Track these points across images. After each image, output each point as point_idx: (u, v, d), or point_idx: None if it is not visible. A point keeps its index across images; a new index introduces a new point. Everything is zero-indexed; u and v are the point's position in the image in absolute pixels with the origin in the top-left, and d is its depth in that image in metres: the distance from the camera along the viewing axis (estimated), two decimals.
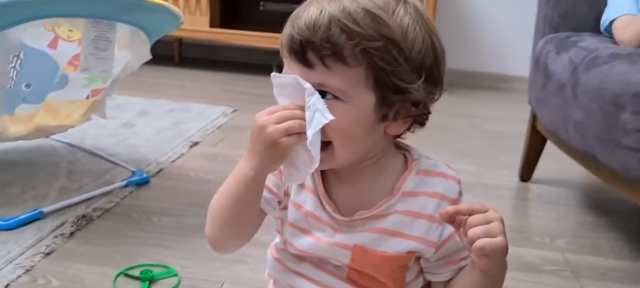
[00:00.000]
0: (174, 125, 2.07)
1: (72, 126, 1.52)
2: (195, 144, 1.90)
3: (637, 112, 1.10)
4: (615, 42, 1.45)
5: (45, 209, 1.30)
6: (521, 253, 1.32)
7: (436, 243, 0.74)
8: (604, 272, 1.27)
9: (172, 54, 3.40)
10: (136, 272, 1.12)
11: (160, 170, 1.64)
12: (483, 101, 3.00)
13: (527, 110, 1.76)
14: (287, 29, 0.68)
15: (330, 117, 0.65)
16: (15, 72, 1.23)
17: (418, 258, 0.77)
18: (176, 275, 1.12)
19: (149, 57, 1.43)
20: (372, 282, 0.75)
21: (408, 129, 0.74)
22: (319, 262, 0.77)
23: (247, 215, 0.74)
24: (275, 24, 3.42)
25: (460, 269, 0.77)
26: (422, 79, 0.67)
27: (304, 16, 0.66)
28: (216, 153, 1.84)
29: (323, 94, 0.66)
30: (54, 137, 1.76)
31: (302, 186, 0.77)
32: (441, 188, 0.74)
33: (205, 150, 1.87)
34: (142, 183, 1.53)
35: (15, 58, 1.21)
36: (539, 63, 1.57)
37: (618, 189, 1.26)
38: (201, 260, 1.19)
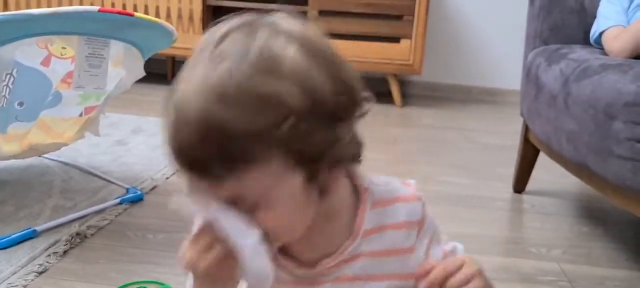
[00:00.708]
0: None
1: (65, 144, 1.52)
2: None
3: (628, 121, 1.11)
4: (605, 53, 1.47)
5: (38, 228, 1.29)
6: (518, 265, 1.32)
7: (413, 274, 0.67)
8: (600, 281, 1.27)
9: (165, 71, 3.41)
10: None
11: (155, 187, 1.64)
12: (476, 114, 3.01)
13: (519, 123, 1.77)
14: (170, 141, 0.54)
15: (255, 236, 0.56)
16: (7, 90, 1.23)
17: None
18: None
19: (142, 74, 1.43)
20: None
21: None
22: None
23: None
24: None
25: None
26: (345, 127, 0.57)
27: (183, 123, 0.52)
28: None
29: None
30: (47, 155, 1.76)
31: None
32: (404, 215, 0.67)
33: None
34: (137, 200, 1.52)
35: (8, 76, 1.21)
36: (530, 75, 1.58)
37: (612, 198, 1.26)
38: None
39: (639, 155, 1.09)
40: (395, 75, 3.00)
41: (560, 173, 1.66)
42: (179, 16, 3.05)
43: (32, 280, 1.12)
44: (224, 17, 0.58)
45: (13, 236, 1.24)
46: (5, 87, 1.22)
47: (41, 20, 1.11)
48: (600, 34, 1.51)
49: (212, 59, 0.53)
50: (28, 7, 3.04)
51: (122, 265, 1.21)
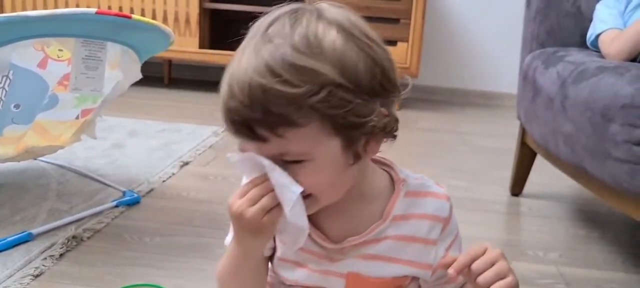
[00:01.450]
0: (164, 145, 2.07)
1: (61, 147, 1.51)
2: (186, 163, 1.89)
3: (625, 124, 1.11)
4: (601, 56, 1.47)
5: (34, 231, 1.28)
6: (515, 267, 1.29)
7: (431, 266, 0.74)
8: (597, 284, 1.27)
9: (162, 75, 3.41)
10: None
11: (151, 190, 1.63)
12: (473, 118, 3.02)
13: (516, 126, 1.78)
14: (223, 108, 0.63)
15: (298, 189, 0.62)
16: (4, 92, 1.22)
17: (414, 279, 0.76)
18: None
19: (139, 76, 1.43)
20: None
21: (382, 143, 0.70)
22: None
23: (250, 284, 0.74)
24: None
25: (460, 285, 0.77)
26: (378, 103, 0.63)
27: (235, 92, 0.60)
28: (207, 173, 1.83)
29: (288, 160, 0.63)
30: (43, 158, 1.75)
31: None
32: (432, 208, 0.73)
33: (196, 169, 1.86)
34: (133, 203, 1.52)
35: (4, 78, 1.21)
36: (527, 78, 1.59)
37: (608, 201, 1.27)
38: (193, 280, 1.17)
39: (636, 157, 1.09)
40: None
41: (557, 176, 1.66)
42: (176, 19, 3.05)
43: (28, 283, 1.11)
44: (272, 8, 0.66)
45: (8, 239, 1.23)
46: (1, 89, 1.22)
47: (38, 22, 1.10)
48: (597, 36, 1.51)
49: (261, 40, 0.61)
50: (24, 8, 3.04)
51: (118, 268, 1.20)
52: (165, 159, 1.90)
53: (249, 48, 0.62)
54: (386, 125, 0.64)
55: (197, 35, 3.06)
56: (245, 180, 0.67)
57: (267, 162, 0.62)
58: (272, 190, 0.63)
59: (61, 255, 1.23)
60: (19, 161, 1.52)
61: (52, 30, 1.16)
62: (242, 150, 0.65)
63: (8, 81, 1.21)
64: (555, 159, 1.49)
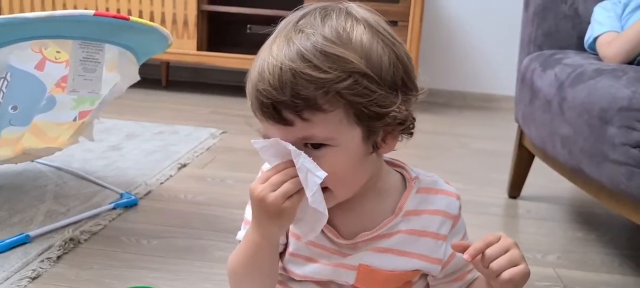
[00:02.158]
0: (162, 147, 2.06)
1: (59, 149, 1.51)
2: (184, 165, 1.89)
3: (623, 126, 1.12)
4: (599, 59, 1.47)
5: (32, 233, 1.28)
6: None
7: (441, 261, 0.75)
8: (595, 286, 1.27)
9: (159, 77, 3.41)
10: None
11: (149, 192, 1.63)
12: (471, 120, 3.02)
13: (513, 129, 1.78)
14: (252, 92, 0.66)
15: (323, 174, 0.64)
16: (1, 94, 1.22)
17: (423, 275, 0.78)
18: None
19: (137, 78, 1.43)
20: None
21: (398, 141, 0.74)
22: (322, 282, 0.77)
23: (265, 272, 0.74)
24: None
25: (467, 283, 0.78)
26: (400, 96, 0.66)
27: (265, 75, 0.64)
28: (205, 175, 1.83)
29: (313, 145, 0.65)
30: (40, 160, 1.75)
31: None
32: (443, 205, 0.75)
33: (194, 171, 1.86)
34: (131, 205, 1.52)
35: (2, 80, 1.20)
36: (525, 80, 1.59)
37: (606, 203, 1.27)
38: (191, 282, 1.17)
39: (634, 159, 1.09)
40: None
41: (554, 178, 1.66)
42: (174, 21, 3.05)
43: (25, 285, 1.11)
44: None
45: (6, 241, 1.23)
46: None
47: (36, 23, 1.10)
48: (595, 39, 1.52)
49: (293, 31, 0.65)
50: (22, 10, 3.03)
51: (116, 271, 1.20)
52: (163, 161, 1.90)
53: (280, 38, 0.65)
54: (404, 120, 0.67)
55: (195, 37, 3.06)
56: (267, 167, 0.69)
57: (292, 147, 0.64)
58: (294, 176, 0.65)
59: (58, 257, 1.23)
60: (16, 163, 1.51)
61: (50, 32, 1.16)
62: (265, 136, 0.67)
63: (6, 83, 1.21)
64: (553, 161, 1.49)
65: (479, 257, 0.67)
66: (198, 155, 2.02)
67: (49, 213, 1.43)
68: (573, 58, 1.45)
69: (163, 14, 3.04)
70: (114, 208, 1.47)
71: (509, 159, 1.81)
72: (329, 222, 0.73)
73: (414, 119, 0.71)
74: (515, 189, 1.77)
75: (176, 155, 1.97)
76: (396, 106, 0.65)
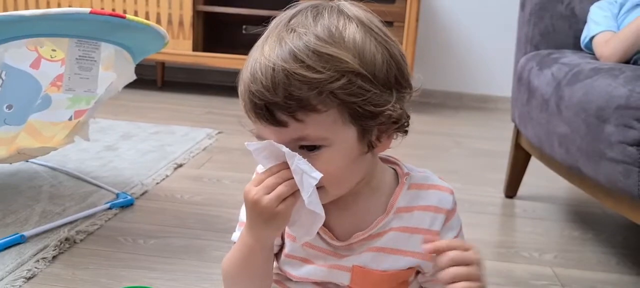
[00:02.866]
0: (158, 147, 2.06)
1: (54, 148, 1.50)
2: (180, 165, 1.88)
3: (620, 124, 1.12)
4: (596, 58, 1.48)
5: (27, 233, 1.27)
6: (510, 269, 1.32)
7: (433, 257, 0.74)
8: (592, 285, 1.27)
9: (155, 77, 3.39)
10: None
11: (145, 192, 1.62)
12: (467, 121, 3.02)
13: (510, 130, 1.78)
14: (244, 93, 0.65)
15: (319, 175, 0.63)
16: None
17: (417, 273, 0.77)
18: None
19: (133, 77, 1.42)
20: None
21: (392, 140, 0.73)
22: (319, 282, 0.77)
23: (259, 275, 0.74)
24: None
25: None
26: (394, 94, 0.66)
27: (257, 76, 0.63)
28: (201, 175, 1.82)
29: (307, 146, 0.65)
30: (35, 160, 1.74)
31: None
32: (435, 200, 0.74)
33: (190, 171, 1.85)
34: (127, 205, 1.51)
35: None
36: (522, 79, 1.59)
37: (603, 201, 1.27)
38: (188, 282, 1.16)
39: (631, 158, 1.09)
40: None
41: (551, 178, 1.67)
42: (169, 22, 3.04)
43: (20, 286, 1.10)
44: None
45: (0, 241, 1.21)
46: None
47: (31, 21, 1.09)
48: (591, 38, 1.52)
49: (285, 30, 0.64)
50: (16, 8, 3.02)
51: (112, 271, 1.19)
52: (159, 161, 1.89)
53: (271, 38, 0.64)
54: (399, 118, 0.66)
55: (191, 37, 3.05)
56: (261, 169, 0.69)
57: (286, 149, 0.63)
58: (288, 178, 0.64)
59: (54, 257, 1.22)
60: (11, 163, 1.50)
61: (46, 30, 1.15)
62: (259, 137, 0.66)
63: (1, 82, 1.20)
64: (549, 160, 1.49)
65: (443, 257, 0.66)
66: (194, 155, 2.01)
67: (44, 213, 1.42)
68: (570, 57, 1.45)
69: (158, 14, 3.03)
70: (110, 208, 1.46)
71: (505, 159, 1.81)
72: (324, 223, 0.72)
73: (408, 117, 0.70)
74: (511, 189, 1.77)
75: (172, 155, 1.96)
76: (390, 105, 0.65)
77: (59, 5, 3.01)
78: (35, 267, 1.17)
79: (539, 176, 1.84)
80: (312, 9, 0.66)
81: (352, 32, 0.64)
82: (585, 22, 1.59)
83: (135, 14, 3.03)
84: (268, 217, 0.65)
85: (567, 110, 1.28)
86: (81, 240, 1.31)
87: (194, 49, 3.08)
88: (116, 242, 1.32)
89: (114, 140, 2.11)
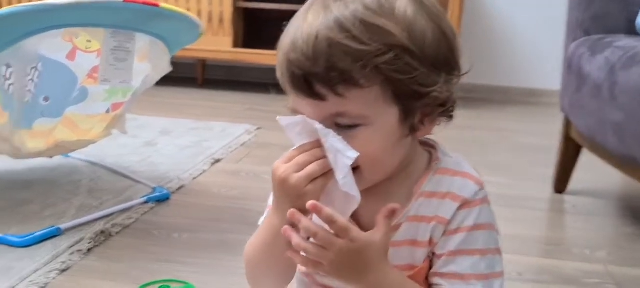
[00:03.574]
0: (196, 143, 2.05)
1: (92, 142, 1.50)
2: (218, 161, 1.86)
3: None
4: None
5: (63, 226, 1.26)
6: (560, 266, 1.24)
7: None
8: None
9: (195, 75, 3.41)
10: None
11: (182, 187, 1.61)
12: (513, 115, 2.92)
13: (558, 124, 1.69)
14: (283, 62, 0.61)
15: (354, 154, 0.59)
16: (33, 84, 1.21)
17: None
18: None
19: (169, 69, 1.41)
20: None
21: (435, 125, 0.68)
22: None
23: (284, 262, 0.67)
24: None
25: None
26: (442, 76, 0.61)
27: (298, 44, 0.59)
28: (239, 170, 1.80)
29: (346, 126, 0.60)
30: (75, 155, 1.75)
31: None
32: (456, 187, 0.66)
33: (227, 166, 1.83)
34: (163, 199, 1.50)
35: (33, 70, 1.20)
36: (572, 67, 1.51)
37: None
38: (221, 276, 1.14)
39: None
40: None
41: (602, 171, 1.58)
42: (209, 19, 3.04)
43: (54, 278, 1.10)
44: None
45: (37, 234, 1.21)
46: (30, 82, 1.20)
47: (64, 11, 1.09)
48: None
49: (331, 0, 0.59)
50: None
51: (146, 264, 1.17)
52: (197, 156, 1.88)
53: (316, 5, 0.60)
54: (446, 101, 0.62)
55: (231, 34, 3.05)
56: (295, 145, 0.64)
57: (320, 126, 0.59)
58: (321, 157, 0.60)
59: (89, 250, 1.21)
60: (50, 156, 1.51)
61: (80, 20, 1.14)
62: (294, 112, 0.62)
63: (37, 73, 1.20)
64: (602, 151, 1.40)
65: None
66: (232, 150, 1.99)
67: (81, 207, 1.42)
68: (624, 41, 1.36)
69: (199, 11, 3.03)
70: (146, 202, 1.45)
71: (553, 154, 1.72)
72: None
73: (455, 101, 0.65)
74: (561, 183, 1.69)
75: (210, 151, 1.95)
76: (438, 86, 0.60)
77: None
78: (70, 259, 1.16)
79: (590, 170, 1.74)
80: None
81: (403, 4, 0.60)
82: (639, 4, 1.49)
83: None
84: (295, 197, 0.60)
85: (623, 96, 1.20)
86: (117, 233, 1.30)
87: (234, 46, 3.07)
88: (151, 235, 1.31)
89: (153, 136, 2.11)
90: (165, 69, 1.38)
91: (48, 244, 1.22)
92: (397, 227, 0.67)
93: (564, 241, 1.41)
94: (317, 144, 0.61)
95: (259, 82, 3.49)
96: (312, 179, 0.60)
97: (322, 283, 0.74)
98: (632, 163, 1.22)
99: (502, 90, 3.29)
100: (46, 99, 1.26)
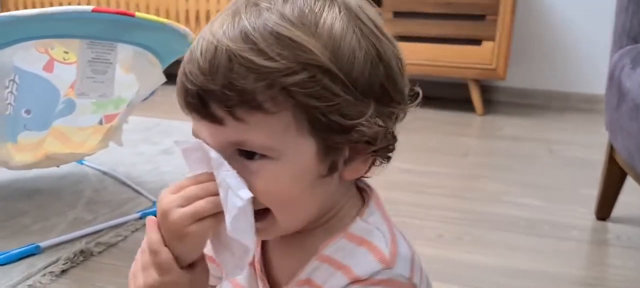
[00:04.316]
0: None
1: (87, 154, 1.45)
2: None
3: None
4: None
5: (43, 243, 1.22)
6: None
7: None
8: None
9: None
10: None
11: None
12: (567, 125, 2.68)
13: None
14: (179, 75, 0.51)
15: (247, 194, 0.49)
16: (12, 97, 1.17)
17: None
18: None
19: (162, 80, 1.33)
20: None
21: (371, 166, 0.56)
22: None
23: None
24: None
25: None
26: (372, 107, 0.50)
27: (195, 55, 0.49)
28: None
29: (248, 154, 0.50)
30: (87, 163, 1.72)
31: None
32: (355, 260, 0.53)
33: None
34: None
35: (11, 83, 1.15)
36: (613, 79, 1.31)
37: None
38: None
39: None
40: (476, 81, 2.74)
41: None
42: None
43: None
44: None
45: (13, 252, 1.17)
46: (9, 94, 1.16)
47: (30, 22, 1.03)
48: None
49: (245, 4, 0.50)
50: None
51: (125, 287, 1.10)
52: None
53: (227, 11, 0.51)
54: (376, 137, 0.51)
55: None
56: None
57: (214, 154, 0.50)
58: (214, 193, 0.50)
59: (62, 271, 1.15)
60: (43, 168, 1.47)
61: (49, 32, 1.08)
62: (195, 135, 0.53)
63: (15, 85, 1.15)
64: None
65: None
66: None
67: (74, 221, 1.37)
68: None
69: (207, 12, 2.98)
70: (140, 218, 1.39)
71: (601, 172, 1.52)
72: (265, 263, 0.59)
73: (394, 138, 0.53)
74: (604, 209, 1.48)
75: None
76: (365, 119, 0.50)
77: (127, 5, 3.04)
78: (40, 282, 1.11)
79: (638, 194, 1.53)
80: None
81: (331, 17, 0.49)
82: None
83: (208, 12, 2.99)
84: (176, 235, 0.50)
85: None
86: (99, 253, 1.24)
87: None
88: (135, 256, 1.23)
89: (171, 144, 2.05)
90: (157, 80, 1.31)
91: (24, 263, 1.17)
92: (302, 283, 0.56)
93: (602, 281, 1.23)
94: (213, 177, 0.50)
95: None
96: (199, 218, 0.50)
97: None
98: None
99: (561, 96, 3.03)
100: (28, 112, 1.22)
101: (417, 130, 2.32)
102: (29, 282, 1.10)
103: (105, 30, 1.13)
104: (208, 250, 0.56)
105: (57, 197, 1.51)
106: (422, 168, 1.88)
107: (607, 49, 2.92)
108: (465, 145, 2.23)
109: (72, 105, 1.29)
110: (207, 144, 0.51)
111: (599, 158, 1.73)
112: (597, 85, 2.98)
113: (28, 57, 1.12)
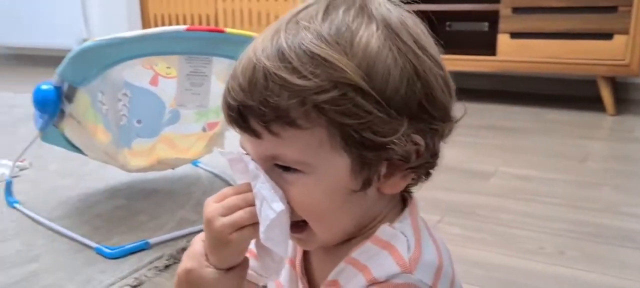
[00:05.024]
0: None
1: (193, 159, 1.57)
2: None
3: None
4: None
5: (152, 240, 1.34)
6: None
7: None
8: None
9: None
10: None
11: None
12: None
13: None
14: (225, 92, 0.56)
15: (281, 207, 0.52)
16: (126, 109, 1.30)
17: None
18: None
19: None
20: None
21: (415, 181, 0.57)
22: None
23: None
24: (463, 44, 3.16)
25: None
26: (406, 124, 0.51)
27: (237, 71, 0.53)
28: None
29: (283, 167, 0.54)
30: (202, 166, 1.85)
31: None
32: (376, 262, 0.55)
33: None
34: None
35: (123, 96, 1.28)
36: None
37: None
38: None
39: None
40: (606, 78, 2.54)
41: None
42: None
43: None
44: None
45: (126, 247, 1.30)
46: (123, 106, 1.30)
47: (133, 42, 1.14)
48: None
49: (286, 24, 0.53)
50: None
51: None
52: None
53: (270, 29, 0.55)
54: (409, 155, 0.52)
55: None
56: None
57: (252, 166, 0.54)
58: (252, 204, 0.54)
59: (166, 266, 1.27)
60: (157, 171, 1.61)
61: (151, 50, 1.19)
62: (242, 148, 0.57)
63: (127, 99, 1.29)
64: None
65: None
66: None
67: (181, 220, 1.49)
68: None
69: None
70: None
71: None
72: (306, 266, 0.62)
73: (434, 155, 0.55)
74: None
75: None
76: (397, 137, 0.51)
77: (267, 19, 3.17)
78: (145, 275, 1.22)
79: None
80: (329, 2, 0.54)
81: (367, 35, 0.51)
82: None
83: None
84: (219, 242, 0.55)
85: None
86: None
87: None
88: None
89: None
90: None
91: (134, 258, 1.30)
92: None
93: None
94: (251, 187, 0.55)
95: None
96: (239, 227, 0.54)
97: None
98: None
99: None
100: (139, 122, 1.35)
101: (540, 132, 2.20)
102: (136, 274, 1.23)
103: (200, 46, 1.23)
104: (253, 246, 0.61)
105: (171, 197, 1.65)
106: (538, 174, 1.78)
107: None
108: (586, 148, 2.08)
109: (177, 115, 1.41)
110: (249, 155, 0.55)
111: None
112: None
113: (136, 73, 1.25)
